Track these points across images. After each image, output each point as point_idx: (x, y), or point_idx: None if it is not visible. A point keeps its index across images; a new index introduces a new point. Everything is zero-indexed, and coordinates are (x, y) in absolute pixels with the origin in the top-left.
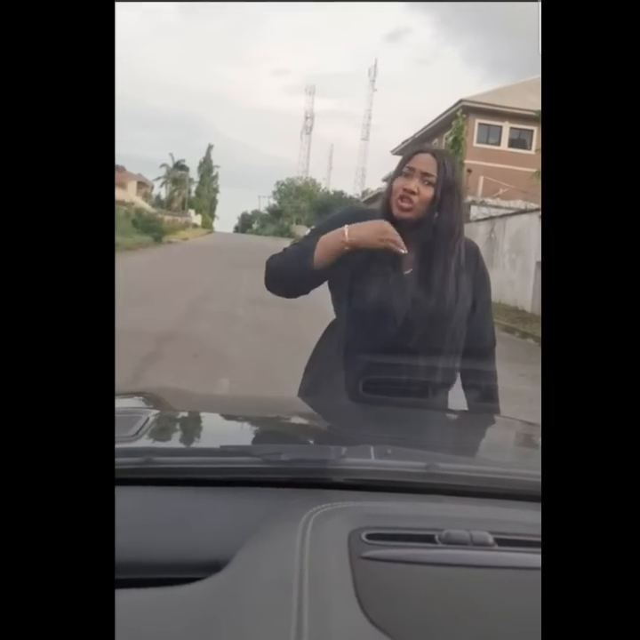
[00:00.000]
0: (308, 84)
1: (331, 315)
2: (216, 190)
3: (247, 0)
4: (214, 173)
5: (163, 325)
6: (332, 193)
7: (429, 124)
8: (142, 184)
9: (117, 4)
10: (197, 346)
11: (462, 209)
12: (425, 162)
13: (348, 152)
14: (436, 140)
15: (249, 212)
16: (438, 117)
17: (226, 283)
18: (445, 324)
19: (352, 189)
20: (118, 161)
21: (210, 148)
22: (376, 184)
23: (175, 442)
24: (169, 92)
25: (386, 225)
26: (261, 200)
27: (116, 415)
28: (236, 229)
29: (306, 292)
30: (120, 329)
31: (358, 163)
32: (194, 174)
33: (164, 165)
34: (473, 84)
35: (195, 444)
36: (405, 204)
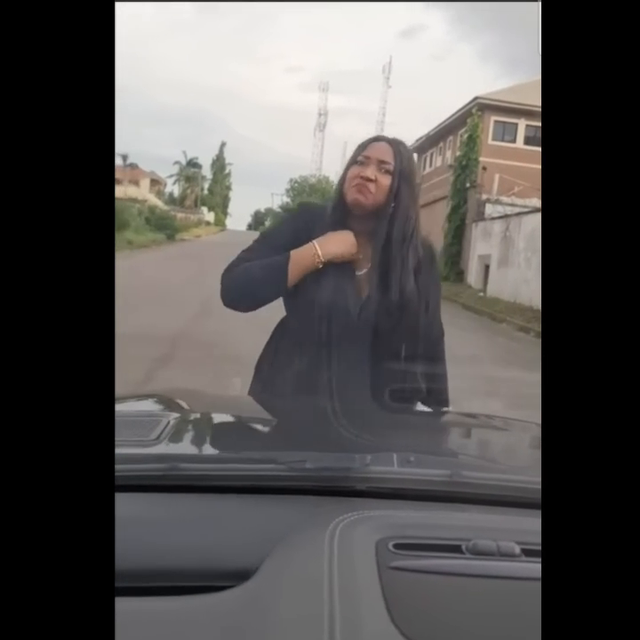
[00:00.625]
0: (321, 81)
1: None
2: (229, 188)
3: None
4: (227, 171)
5: (176, 324)
6: None
7: (444, 122)
8: (155, 181)
9: (131, 3)
10: (210, 345)
11: (418, 201)
12: (381, 150)
13: None
14: (450, 138)
15: (262, 210)
16: (453, 115)
17: None
18: (404, 322)
19: None
20: (131, 158)
21: (223, 145)
22: None
23: (198, 447)
24: (183, 89)
25: (352, 236)
26: (274, 198)
27: (136, 418)
28: (249, 227)
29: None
30: (133, 328)
31: None
32: (207, 172)
33: (177, 163)
34: (488, 81)
35: (218, 450)
36: (363, 192)
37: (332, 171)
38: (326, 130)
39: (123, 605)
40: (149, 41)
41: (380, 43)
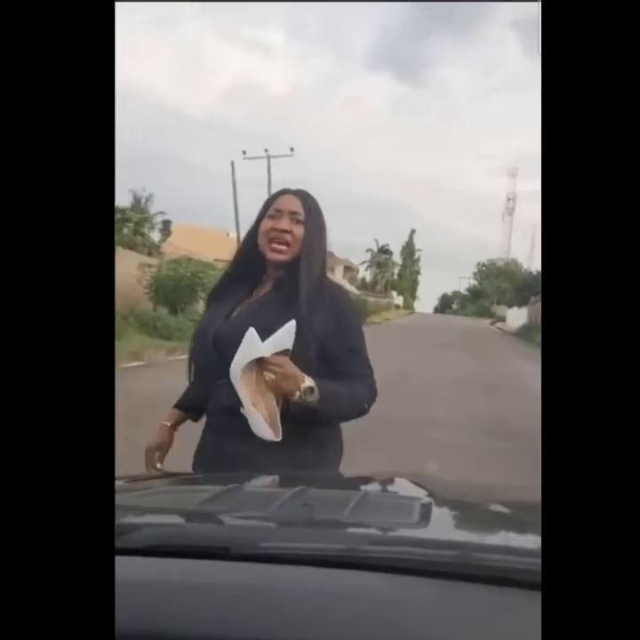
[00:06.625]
0: (509, 166)
1: (535, 397)
2: (418, 272)
3: None
4: (416, 256)
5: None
6: (534, 273)
7: None
8: (348, 268)
9: (329, 117)
10: (400, 426)
11: (326, 246)
12: (290, 202)
13: None
14: None
15: (449, 293)
16: None
17: (427, 361)
18: (325, 368)
19: None
20: (328, 247)
21: (412, 232)
22: None
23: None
24: (376, 181)
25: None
26: (461, 281)
27: (388, 500)
28: (436, 310)
29: None
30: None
31: None
32: (397, 257)
33: (369, 250)
34: None
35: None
36: (280, 245)
37: (521, 254)
38: (514, 214)
39: None
40: (348, 141)
41: None
